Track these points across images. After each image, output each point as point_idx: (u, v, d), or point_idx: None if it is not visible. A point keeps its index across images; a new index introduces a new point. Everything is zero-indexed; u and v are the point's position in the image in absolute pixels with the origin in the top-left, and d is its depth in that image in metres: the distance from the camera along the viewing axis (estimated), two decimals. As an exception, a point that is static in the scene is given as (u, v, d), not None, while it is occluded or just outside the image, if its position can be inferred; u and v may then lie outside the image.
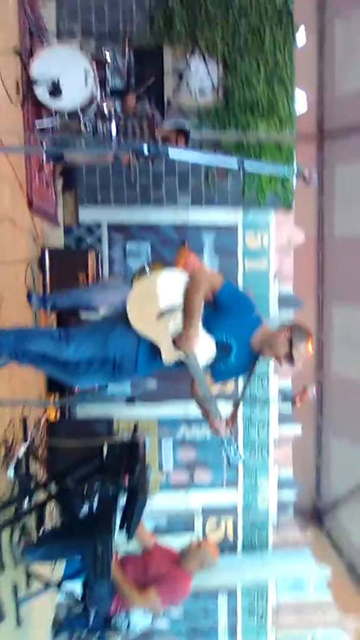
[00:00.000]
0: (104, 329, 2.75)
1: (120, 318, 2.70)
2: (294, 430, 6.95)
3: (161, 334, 2.60)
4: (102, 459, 3.62)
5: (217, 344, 2.72)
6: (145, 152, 1.83)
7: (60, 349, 2.73)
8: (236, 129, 7.27)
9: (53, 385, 4.62)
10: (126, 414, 6.76)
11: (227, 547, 7.75)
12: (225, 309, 2.72)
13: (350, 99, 4.88)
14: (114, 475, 3.20)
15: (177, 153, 2.08)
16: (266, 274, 7.66)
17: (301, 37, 7.33)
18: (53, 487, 3.59)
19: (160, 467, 7.61)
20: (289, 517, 7.34)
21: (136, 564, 3.98)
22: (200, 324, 2.65)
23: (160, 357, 2.65)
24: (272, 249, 7.62)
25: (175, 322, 2.62)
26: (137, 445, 3.41)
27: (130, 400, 3.18)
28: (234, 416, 2.88)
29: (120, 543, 3.65)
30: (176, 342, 2.60)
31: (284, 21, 7.04)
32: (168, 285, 2.66)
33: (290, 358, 2.70)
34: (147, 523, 6.45)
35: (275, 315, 7.64)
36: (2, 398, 3.00)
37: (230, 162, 2.43)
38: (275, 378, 7.52)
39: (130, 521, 3.14)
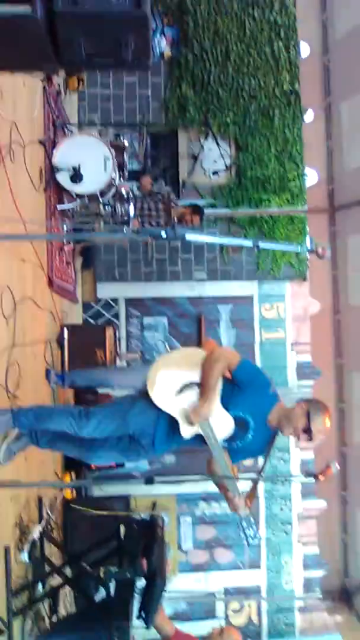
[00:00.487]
0: (124, 406, 2.82)
1: (141, 395, 2.77)
2: (318, 505, 6.73)
3: (180, 409, 2.66)
4: (119, 540, 3.53)
5: (234, 420, 2.73)
6: (163, 236, 1.90)
7: (80, 426, 2.78)
8: (249, 205, 7.49)
9: (69, 464, 4.58)
10: (144, 491, 6.61)
11: (251, 633, 7.34)
12: (242, 386, 2.76)
13: (358, 173, 5.06)
14: (131, 559, 3.11)
15: (193, 236, 2.16)
16: (283, 343, 7.66)
17: (309, 117, 7.68)
18: (68, 571, 3.49)
19: (179, 546, 7.35)
20: (316, 599, 6.98)
21: (155, 654, 3.77)
22: (218, 399, 2.69)
23: (179, 433, 2.68)
24: (288, 319, 7.66)
25: (195, 398, 2.68)
26: (155, 524, 3.33)
27: (149, 481, 3.13)
28: (252, 493, 2.83)
29: (138, 631, 3.47)
30: (190, 412, 2.64)
31: (292, 102, 7.37)
32: (187, 363, 2.75)
33: (308, 432, 2.68)
34: (166, 608, 6.16)
35: (294, 385, 7.57)
36: (19, 480, 2.97)
37: (245, 242, 2.50)
38: (297, 451, 7.36)
39: (149, 607, 3.01)
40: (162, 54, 7.36)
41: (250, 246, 2.51)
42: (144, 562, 3.05)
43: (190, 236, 2.11)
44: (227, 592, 7.34)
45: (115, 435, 2.80)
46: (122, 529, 3.52)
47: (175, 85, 7.32)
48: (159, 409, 2.71)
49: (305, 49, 7.77)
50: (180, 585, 6.97)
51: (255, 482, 2.97)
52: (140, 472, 6.76)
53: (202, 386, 2.67)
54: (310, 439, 2.67)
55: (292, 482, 7.45)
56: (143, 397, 2.75)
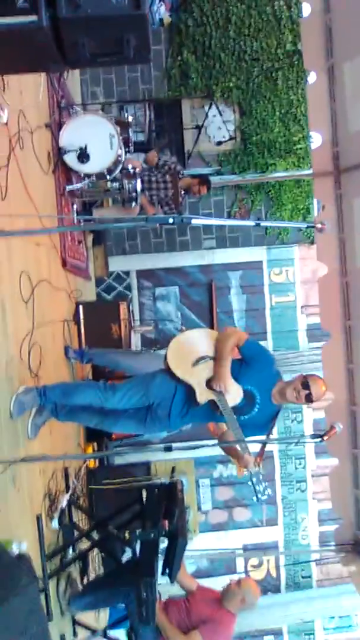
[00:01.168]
0: (147, 379, 3.14)
1: (161, 370, 3.10)
2: (331, 462, 6.92)
3: (196, 377, 2.98)
4: (141, 504, 3.74)
5: (243, 392, 2.99)
6: (170, 222, 2.02)
7: (106, 397, 3.07)
8: (255, 169, 7.48)
9: (91, 436, 4.80)
10: (162, 457, 6.85)
11: (270, 586, 7.67)
12: (249, 361, 3.05)
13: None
14: (154, 520, 3.32)
15: (199, 221, 2.28)
16: (293, 307, 7.77)
17: (312, 78, 7.57)
18: (95, 536, 3.71)
19: (199, 507, 7.63)
20: (330, 551, 7.25)
21: (179, 608, 4.01)
22: (231, 376, 2.97)
23: (193, 403, 2.96)
24: (297, 282, 7.74)
25: (208, 369, 2.99)
26: (174, 488, 3.53)
27: (168, 449, 3.35)
28: (262, 453, 3.07)
29: (163, 587, 3.72)
30: (209, 382, 2.95)
31: (295, 63, 7.28)
32: (201, 339, 3.09)
33: (308, 398, 2.97)
34: (188, 566, 6.46)
35: (305, 347, 7.71)
36: (46, 454, 3.18)
37: (248, 223, 2.60)
38: (309, 412, 7.55)
39: (172, 565, 3.23)
40: (161, 21, 7.27)
41: (253, 225, 2.61)
42: (166, 523, 3.26)
43: (197, 221, 2.22)
44: (245, 548, 7.65)
45: (136, 407, 3.03)
46: (144, 493, 3.73)
47: (176, 52, 7.26)
48: (177, 382, 3.00)
49: (306, 8, 7.61)
50: (201, 544, 7.27)
51: (263, 444, 3.20)
52: (158, 439, 6.99)
53: (217, 355, 2.98)
54: (310, 399, 2.96)
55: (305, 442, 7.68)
56: (163, 371, 3.07)
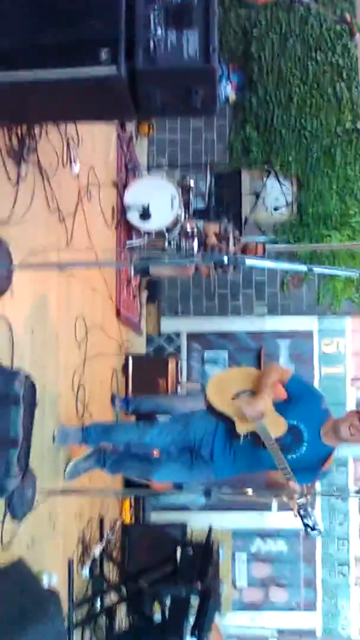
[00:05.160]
0: (185, 414, 3.17)
1: (201, 408, 3.06)
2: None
3: (235, 409, 2.88)
4: (175, 563, 3.62)
5: (289, 428, 2.86)
6: (225, 261, 2.09)
7: (145, 432, 3.07)
8: (310, 241, 7.58)
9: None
10: (200, 524, 6.63)
11: None
12: (295, 397, 2.94)
13: None
14: (187, 580, 3.20)
15: (253, 261, 2.36)
16: (343, 379, 7.62)
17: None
18: (125, 591, 3.60)
19: (234, 583, 7.28)
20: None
21: None
22: (271, 402, 2.87)
23: (235, 439, 2.87)
24: (348, 354, 7.62)
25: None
26: (210, 548, 3.41)
27: (207, 493, 3.26)
28: (311, 486, 2.94)
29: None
30: (244, 405, 2.83)
31: (353, 140, 7.49)
32: (242, 375, 3.07)
33: None
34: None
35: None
36: (82, 502, 3.17)
37: (300, 267, 2.67)
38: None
39: (202, 626, 3.08)
40: (227, 99, 7.68)
41: (305, 270, 2.66)
42: (199, 583, 3.14)
43: (250, 261, 2.28)
44: (281, 633, 7.19)
45: (178, 447, 3.00)
46: (178, 552, 3.62)
47: (240, 127, 7.59)
48: (218, 418, 2.93)
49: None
50: (233, 623, 6.89)
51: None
52: (197, 506, 6.80)
53: (257, 388, 2.88)
54: None
55: (350, 521, 7.31)
56: (204, 409, 3.03)
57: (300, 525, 2.62)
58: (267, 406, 2.83)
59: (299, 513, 2.57)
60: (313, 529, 2.55)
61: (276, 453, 2.72)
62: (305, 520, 2.53)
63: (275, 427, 2.81)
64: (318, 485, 6.93)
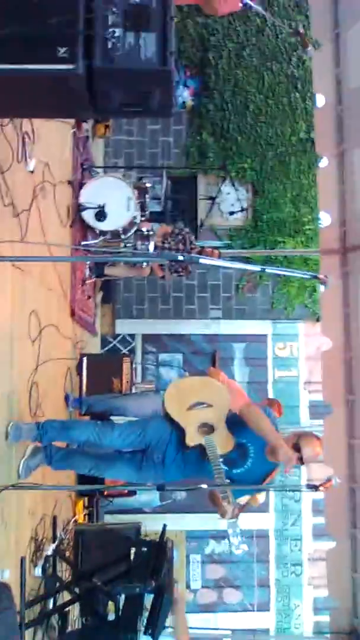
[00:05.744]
0: (145, 419, 3.26)
1: (158, 414, 3.17)
2: (329, 546, 6.69)
3: (189, 420, 3.03)
4: (129, 562, 3.63)
5: (237, 446, 3.02)
6: (180, 258, 2.13)
7: (104, 433, 3.10)
8: (265, 247, 7.73)
9: (82, 491, 4.71)
10: (154, 525, 6.63)
11: None
12: None
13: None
14: (141, 577, 3.21)
15: (207, 260, 2.42)
16: (296, 382, 7.78)
17: (324, 163, 7.99)
18: (78, 590, 3.58)
19: (188, 585, 7.30)
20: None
21: None
22: (224, 426, 3.03)
23: (185, 448, 2.99)
24: (301, 358, 7.79)
25: (202, 414, 3.06)
26: (164, 546, 3.44)
27: (160, 488, 3.28)
28: (244, 505, 3.03)
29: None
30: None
31: (307, 149, 7.69)
32: (200, 386, 3.20)
33: (299, 459, 2.94)
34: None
35: (306, 423, 7.65)
36: (38, 484, 3.15)
37: (254, 267, 2.76)
38: (309, 494, 7.36)
39: (156, 624, 3.10)
40: (184, 104, 7.77)
41: (259, 271, 2.74)
42: (152, 580, 3.16)
43: (204, 260, 2.35)
44: (235, 634, 7.24)
45: (131, 449, 3.03)
46: (132, 551, 3.62)
47: (196, 133, 7.70)
48: (173, 426, 3.03)
49: (320, 100, 8.15)
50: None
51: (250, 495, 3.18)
52: (151, 508, 6.79)
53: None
54: (301, 461, 2.94)
55: (303, 522, 7.45)
56: (161, 415, 3.13)
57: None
58: (222, 425, 3.01)
59: (227, 532, 2.70)
60: (237, 548, 2.68)
61: (216, 466, 2.83)
62: (231, 540, 2.65)
63: (224, 443, 2.97)
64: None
